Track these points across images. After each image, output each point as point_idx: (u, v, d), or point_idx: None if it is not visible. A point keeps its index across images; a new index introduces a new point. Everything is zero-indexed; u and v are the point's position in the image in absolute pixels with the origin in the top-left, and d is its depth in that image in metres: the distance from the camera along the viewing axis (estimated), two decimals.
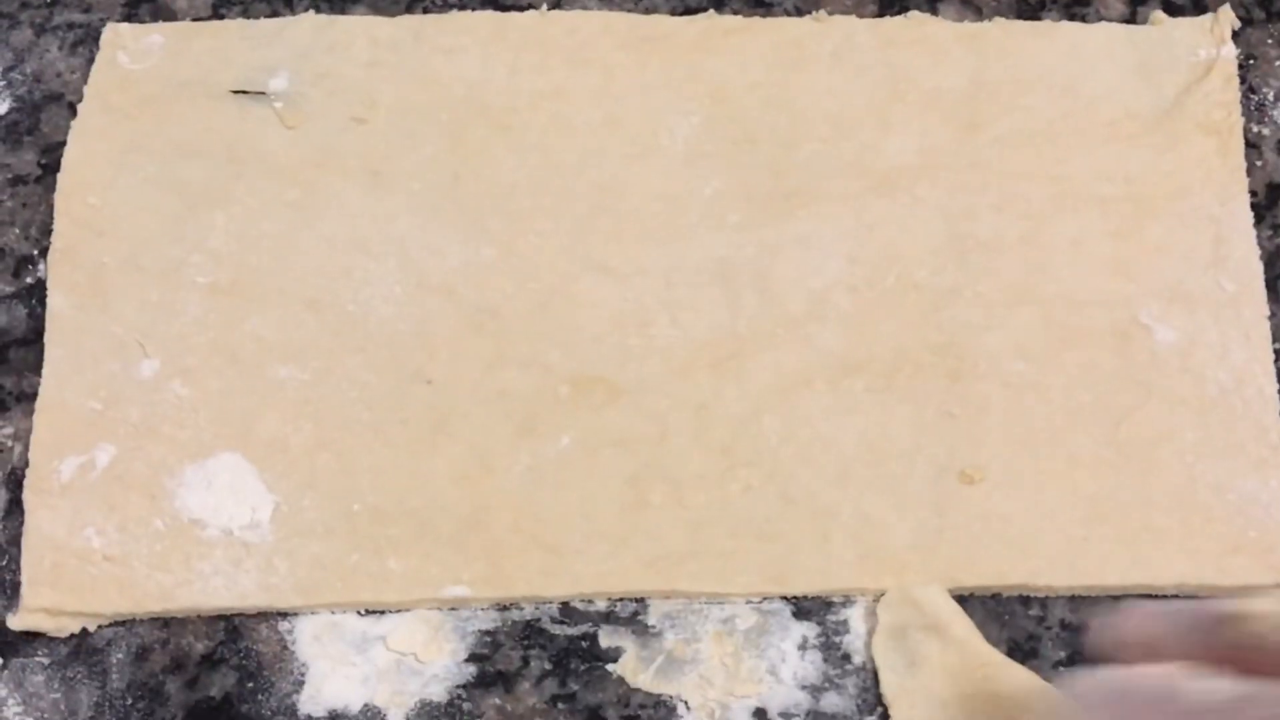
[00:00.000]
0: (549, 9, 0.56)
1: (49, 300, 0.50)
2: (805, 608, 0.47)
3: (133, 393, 0.49)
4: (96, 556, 0.46)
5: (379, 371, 0.49)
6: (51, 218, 0.52)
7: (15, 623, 0.46)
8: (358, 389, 0.49)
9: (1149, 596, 0.47)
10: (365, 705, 0.45)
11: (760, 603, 0.47)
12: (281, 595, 0.46)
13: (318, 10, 0.57)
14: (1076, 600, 0.47)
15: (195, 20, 0.57)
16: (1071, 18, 0.56)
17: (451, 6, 0.57)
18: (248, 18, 0.57)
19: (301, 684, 0.46)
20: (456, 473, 0.48)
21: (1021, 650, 0.47)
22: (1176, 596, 0.47)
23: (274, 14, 0.57)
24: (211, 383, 0.49)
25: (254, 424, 0.48)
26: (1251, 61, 0.56)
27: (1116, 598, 0.47)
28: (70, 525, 0.47)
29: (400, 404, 0.49)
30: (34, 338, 0.51)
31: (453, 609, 0.47)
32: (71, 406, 0.49)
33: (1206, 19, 0.55)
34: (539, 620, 0.47)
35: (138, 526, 0.47)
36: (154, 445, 0.48)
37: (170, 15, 0.57)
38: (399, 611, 0.47)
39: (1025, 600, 0.47)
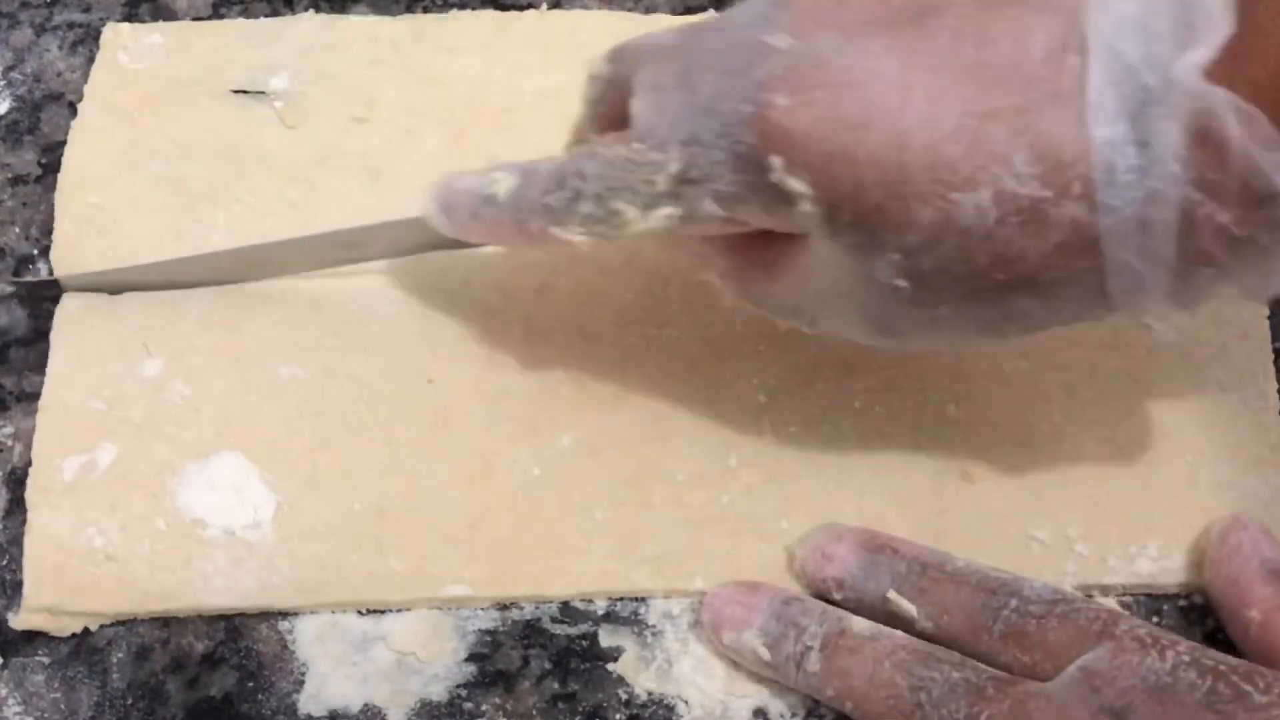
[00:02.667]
0: (549, 9, 0.56)
1: (62, 299, 0.50)
2: None
3: (136, 392, 0.49)
4: (98, 556, 0.46)
5: (381, 371, 0.49)
6: (51, 217, 0.52)
7: (17, 622, 0.46)
8: (360, 388, 0.49)
9: (1150, 595, 0.47)
10: (365, 705, 0.45)
11: None
12: (283, 595, 0.46)
13: (318, 10, 0.57)
14: None
15: (195, 20, 0.57)
16: None
17: (452, 6, 0.57)
18: (248, 17, 0.57)
19: (302, 684, 0.46)
20: (458, 472, 0.48)
21: None
22: (1179, 595, 0.47)
23: (274, 14, 0.57)
24: (214, 382, 0.49)
25: (256, 424, 0.48)
26: None
27: (1121, 598, 0.47)
28: (72, 525, 0.47)
29: (402, 403, 0.49)
30: (34, 338, 0.51)
31: (453, 608, 0.47)
32: (74, 406, 0.49)
33: None
34: (539, 620, 0.47)
35: (140, 526, 0.47)
36: (156, 445, 0.48)
37: (170, 15, 0.57)
38: (399, 611, 0.47)
39: None
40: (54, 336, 0.50)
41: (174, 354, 0.49)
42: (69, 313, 0.50)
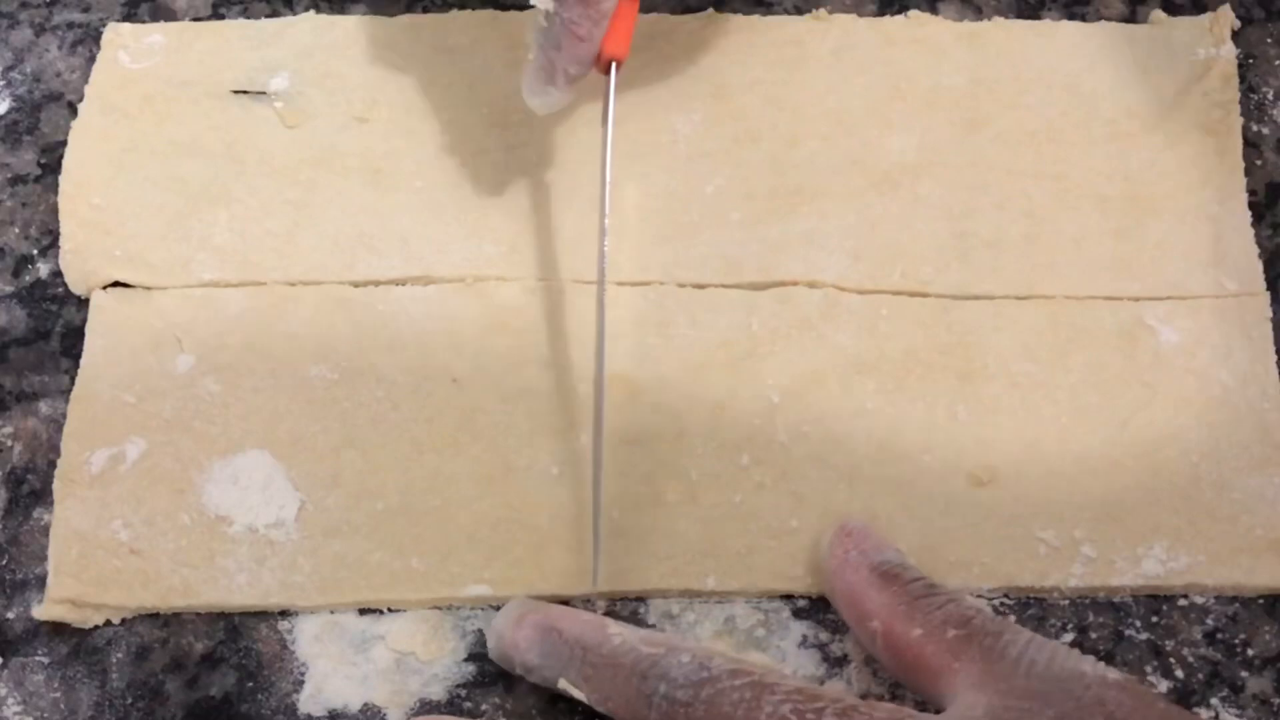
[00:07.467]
0: None
1: (93, 295, 0.50)
2: (804, 607, 0.47)
3: (167, 387, 0.49)
4: (123, 550, 0.46)
5: (406, 370, 0.49)
6: (51, 217, 0.52)
7: (40, 613, 0.46)
8: (385, 388, 0.49)
9: (1153, 597, 0.47)
10: (365, 704, 0.45)
11: (760, 601, 0.47)
12: (304, 594, 0.46)
13: (318, 10, 0.57)
14: (1083, 602, 0.47)
15: (195, 20, 0.57)
16: (1071, 17, 0.57)
17: (451, 6, 0.57)
18: (248, 18, 0.57)
19: (301, 683, 0.45)
20: (479, 471, 0.48)
21: None
22: (1184, 596, 0.47)
23: (274, 14, 0.57)
24: (244, 380, 0.49)
25: (283, 422, 0.48)
26: (1251, 61, 0.56)
27: (1120, 600, 0.47)
28: (98, 517, 0.47)
29: (426, 403, 0.49)
30: (34, 338, 0.51)
31: (453, 607, 0.47)
32: (106, 398, 0.49)
33: (1206, 19, 0.55)
34: None
35: (164, 521, 0.47)
36: (184, 440, 0.48)
37: (170, 15, 0.57)
38: (398, 610, 0.47)
39: (1029, 602, 0.47)
40: (89, 329, 0.50)
41: (206, 351, 0.50)
42: (104, 306, 0.50)
